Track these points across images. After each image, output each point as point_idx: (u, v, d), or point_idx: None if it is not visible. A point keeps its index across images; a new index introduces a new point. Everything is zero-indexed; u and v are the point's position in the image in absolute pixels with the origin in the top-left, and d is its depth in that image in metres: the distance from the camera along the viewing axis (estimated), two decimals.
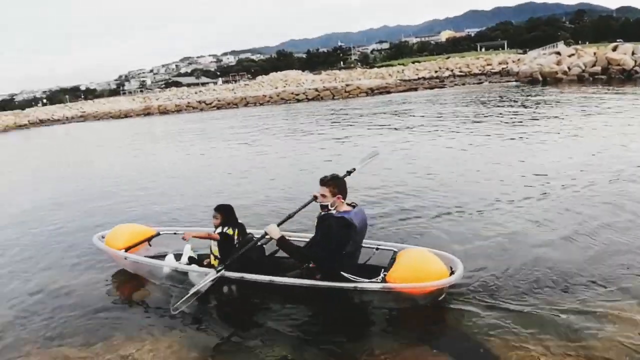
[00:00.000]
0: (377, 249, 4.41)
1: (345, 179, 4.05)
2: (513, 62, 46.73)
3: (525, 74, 32.33)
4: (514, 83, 32.86)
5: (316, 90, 42.12)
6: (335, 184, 3.83)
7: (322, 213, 3.90)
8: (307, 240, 4.24)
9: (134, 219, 6.65)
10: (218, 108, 45.25)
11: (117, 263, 5.21)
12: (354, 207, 3.95)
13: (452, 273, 3.74)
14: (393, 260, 4.03)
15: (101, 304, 4.49)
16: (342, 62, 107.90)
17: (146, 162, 14.66)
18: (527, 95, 22.93)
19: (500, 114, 16.59)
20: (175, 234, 5.26)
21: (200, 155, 14.64)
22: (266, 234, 4.02)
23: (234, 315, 4.08)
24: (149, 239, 5.22)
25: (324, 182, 3.86)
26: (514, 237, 5.05)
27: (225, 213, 4.52)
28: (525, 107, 18.01)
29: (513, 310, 3.60)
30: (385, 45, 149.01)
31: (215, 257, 4.35)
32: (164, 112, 48.31)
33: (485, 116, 16.38)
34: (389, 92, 38.00)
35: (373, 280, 3.79)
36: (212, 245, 4.44)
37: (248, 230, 4.61)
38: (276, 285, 3.93)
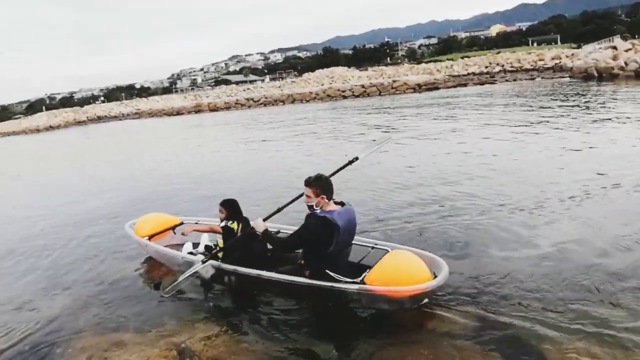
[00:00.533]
0: (372, 247, 4.44)
1: (331, 178, 4.07)
2: (566, 57, 44.55)
3: (579, 69, 30.86)
4: (568, 79, 31.48)
5: (362, 86, 41.94)
6: (318, 184, 3.87)
7: (308, 213, 3.96)
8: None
9: (176, 209, 7.03)
10: (265, 105, 46.02)
11: (143, 250, 5.55)
12: (342, 205, 4.00)
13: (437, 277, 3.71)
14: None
15: (152, 291, 4.76)
16: (388, 58, 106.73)
17: (195, 157, 15.14)
18: (582, 92, 21.90)
19: (554, 110, 15.96)
20: (197, 223, 5.59)
21: (248, 151, 14.98)
22: (252, 227, 4.24)
23: (270, 309, 4.16)
24: (173, 228, 5.57)
25: (307, 182, 3.91)
26: (553, 243, 4.88)
27: (230, 208, 4.81)
28: (579, 103, 17.24)
29: (509, 323, 3.50)
30: (433, 41, 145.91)
31: (220, 249, 4.59)
32: (213, 109, 49.64)
33: (537, 113, 15.80)
34: (437, 88, 37.29)
35: (352, 280, 3.81)
36: (218, 237, 4.73)
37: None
38: (264, 279, 4.13)
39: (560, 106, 16.94)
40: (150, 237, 5.35)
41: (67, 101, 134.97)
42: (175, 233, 5.58)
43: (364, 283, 3.74)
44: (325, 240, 3.80)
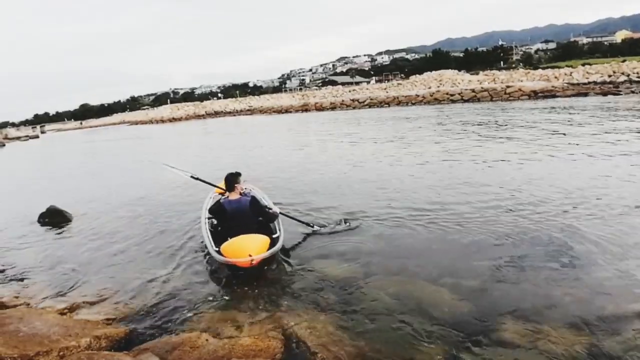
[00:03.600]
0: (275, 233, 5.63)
1: (239, 177, 5.71)
2: None
3: None
4: None
5: (473, 91, 40.36)
6: (224, 180, 5.76)
7: None
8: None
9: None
10: (370, 106, 46.21)
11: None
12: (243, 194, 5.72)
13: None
14: None
15: (263, 277, 5.02)
16: (502, 62, 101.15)
17: (295, 150, 15.76)
18: None
19: None
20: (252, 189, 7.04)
21: (340, 151, 15.23)
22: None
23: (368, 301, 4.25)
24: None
25: None
26: None
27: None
28: None
29: None
30: (552, 45, 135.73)
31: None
32: (320, 108, 50.98)
33: None
34: (554, 96, 34.69)
35: (214, 247, 5.21)
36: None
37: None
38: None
39: None
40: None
41: (189, 96, 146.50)
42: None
43: (220, 252, 5.03)
44: (220, 216, 5.55)
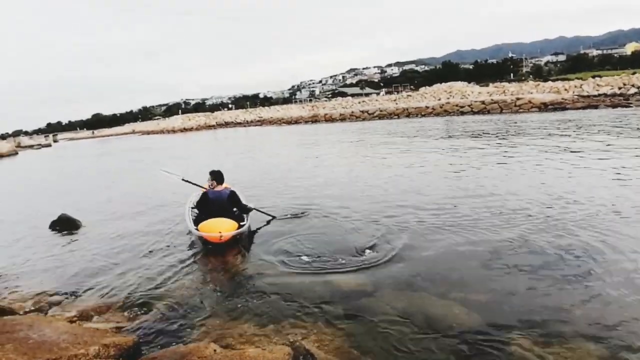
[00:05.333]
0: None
1: (220, 171, 7.21)
2: None
3: None
4: None
5: (482, 102, 40.36)
6: (210, 175, 7.18)
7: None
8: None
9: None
10: (380, 118, 46.33)
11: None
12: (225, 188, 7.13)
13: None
14: None
15: (272, 289, 5.01)
16: (512, 74, 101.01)
17: (305, 160, 15.75)
18: None
19: None
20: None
21: (343, 159, 15.23)
22: None
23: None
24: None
25: (209, 173, 7.23)
26: None
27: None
28: None
29: None
30: (562, 57, 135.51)
31: None
32: (329, 120, 51.19)
33: None
34: (564, 109, 34.57)
35: (194, 226, 6.65)
36: None
37: None
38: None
39: None
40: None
41: (200, 106, 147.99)
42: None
43: (197, 228, 6.49)
44: (204, 203, 6.92)
